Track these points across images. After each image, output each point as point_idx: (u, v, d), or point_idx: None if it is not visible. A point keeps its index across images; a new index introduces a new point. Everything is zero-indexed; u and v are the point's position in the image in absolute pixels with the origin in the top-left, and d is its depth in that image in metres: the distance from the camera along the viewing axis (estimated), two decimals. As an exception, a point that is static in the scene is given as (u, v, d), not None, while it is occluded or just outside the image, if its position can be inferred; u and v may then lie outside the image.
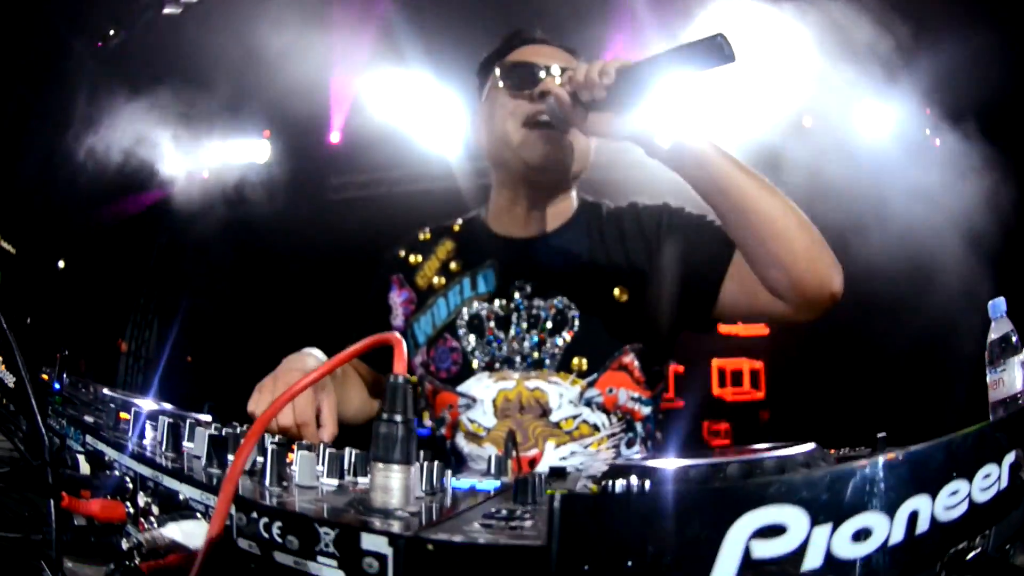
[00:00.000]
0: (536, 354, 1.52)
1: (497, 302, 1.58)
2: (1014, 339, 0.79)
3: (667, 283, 1.54)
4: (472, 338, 1.57)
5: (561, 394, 1.48)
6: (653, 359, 1.57)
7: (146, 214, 4.75)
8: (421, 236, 1.79)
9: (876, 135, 4.10)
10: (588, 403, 1.49)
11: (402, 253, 1.77)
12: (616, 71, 1.25)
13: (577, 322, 1.53)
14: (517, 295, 1.57)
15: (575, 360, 1.51)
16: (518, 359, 1.53)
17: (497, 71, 1.60)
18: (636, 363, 1.53)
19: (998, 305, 0.81)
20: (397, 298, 1.69)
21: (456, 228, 1.77)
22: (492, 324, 1.56)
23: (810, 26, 3.36)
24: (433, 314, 1.62)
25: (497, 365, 1.53)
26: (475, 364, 1.54)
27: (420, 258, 1.72)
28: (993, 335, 0.81)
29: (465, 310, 1.59)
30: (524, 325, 1.55)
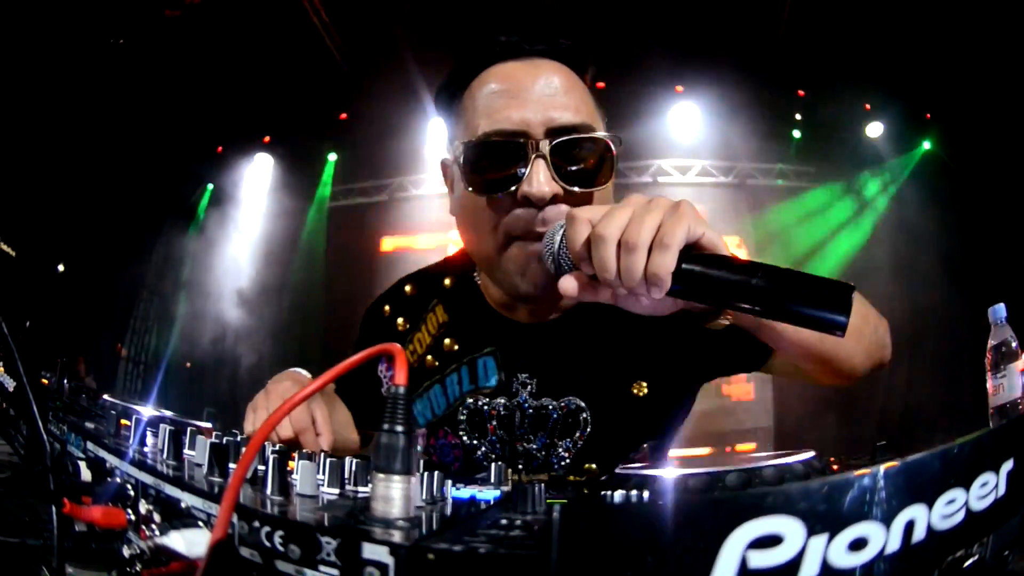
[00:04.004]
0: (543, 456, 1.31)
1: (500, 399, 1.33)
2: (1014, 345, 0.79)
3: (698, 370, 1.31)
4: (474, 436, 1.35)
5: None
6: (666, 445, 1.36)
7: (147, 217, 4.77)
8: (407, 289, 1.49)
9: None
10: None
11: (387, 310, 1.49)
12: (673, 277, 0.82)
13: (590, 425, 1.29)
14: (522, 392, 1.32)
15: (586, 465, 1.30)
16: (523, 461, 1.31)
17: (459, 152, 1.13)
18: (648, 455, 1.32)
19: (998, 311, 0.81)
20: (387, 372, 1.43)
21: (446, 285, 1.44)
22: (495, 423, 1.32)
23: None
24: (431, 401, 1.39)
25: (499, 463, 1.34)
26: (477, 462, 1.35)
27: (408, 324, 1.45)
28: (993, 341, 0.81)
29: (465, 406, 1.35)
30: (529, 425, 1.31)
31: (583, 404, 1.30)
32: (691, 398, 1.37)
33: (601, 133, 1.14)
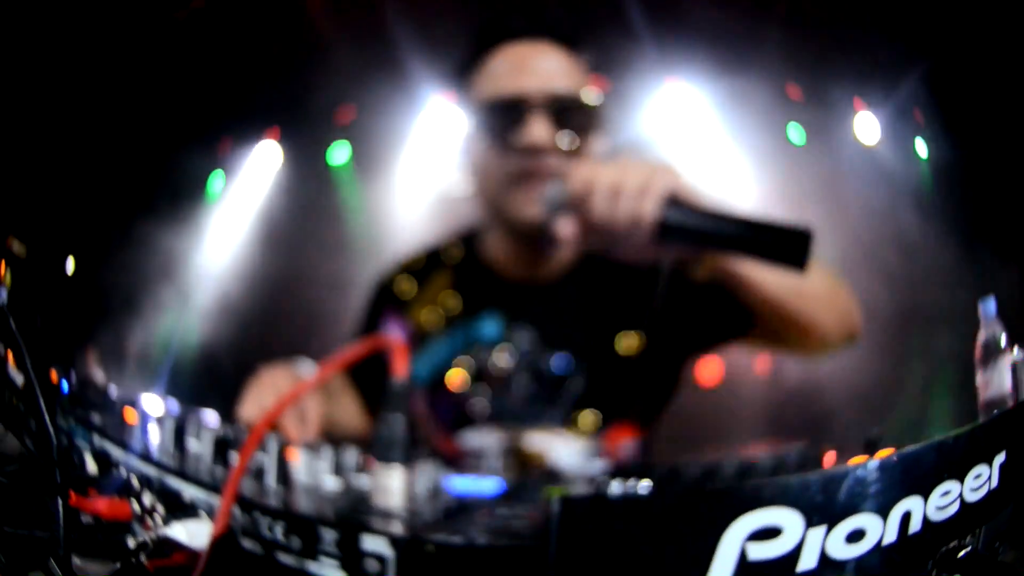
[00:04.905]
0: (540, 410, 1.43)
1: (499, 354, 1.42)
2: (1003, 339, 0.80)
3: (686, 329, 1.44)
4: (472, 391, 1.45)
5: (566, 450, 1.40)
6: (662, 402, 1.48)
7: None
8: (411, 260, 1.59)
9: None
10: (594, 455, 1.40)
11: (392, 281, 1.57)
12: (654, 224, 0.95)
13: (586, 376, 1.39)
14: (521, 347, 1.42)
15: (583, 416, 1.41)
16: (521, 414, 1.43)
17: (470, 115, 1.39)
18: (645, 411, 1.44)
19: (988, 306, 0.82)
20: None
21: (451, 255, 1.55)
22: (494, 377, 1.40)
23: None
24: (431, 359, 1.49)
25: (499, 420, 1.43)
26: (475, 418, 1.45)
27: (413, 290, 1.54)
28: (983, 335, 0.82)
29: (464, 361, 1.45)
30: (528, 379, 1.40)
31: (579, 359, 1.38)
32: (683, 365, 1.46)
33: (590, 99, 1.31)
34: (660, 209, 0.90)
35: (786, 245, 0.89)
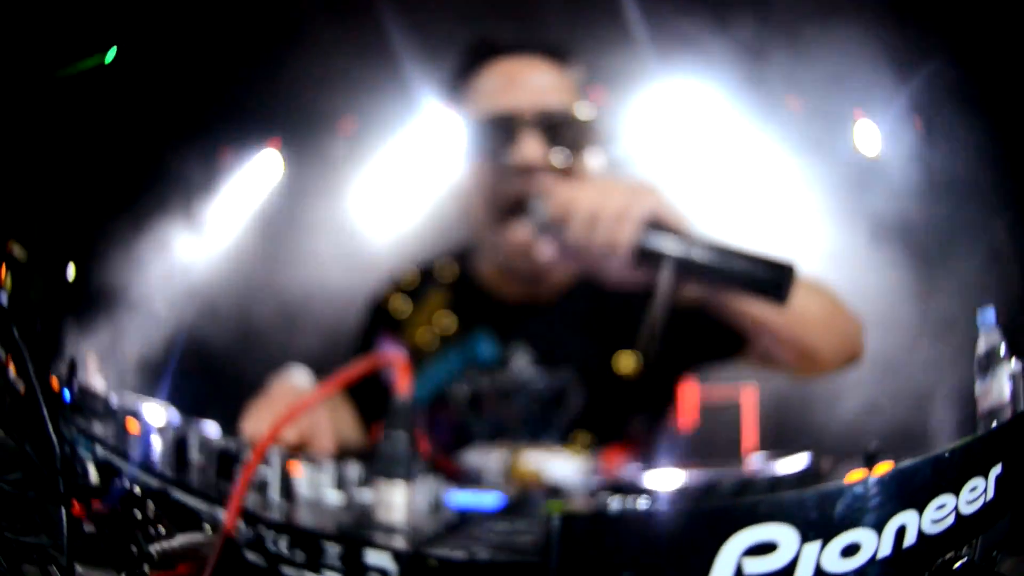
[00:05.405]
0: (537, 429, 1.41)
1: (495, 375, 1.40)
2: (1002, 349, 0.80)
3: (680, 349, 1.43)
4: (469, 411, 1.43)
5: (562, 468, 1.39)
6: (660, 421, 1.47)
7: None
8: (407, 279, 1.55)
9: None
10: (592, 472, 1.38)
11: (388, 300, 1.53)
12: (630, 250, 0.93)
13: (583, 396, 1.37)
14: (517, 367, 1.39)
15: (579, 435, 1.39)
16: (518, 434, 1.41)
17: (462, 130, 1.35)
18: (642, 431, 1.42)
19: (987, 316, 0.82)
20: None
21: (446, 276, 1.51)
22: (490, 398, 1.38)
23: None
24: (427, 379, 1.46)
25: (496, 439, 1.42)
26: (473, 437, 1.43)
27: (408, 309, 1.51)
28: (982, 345, 0.82)
29: (461, 381, 1.42)
30: (524, 399, 1.38)
31: (576, 378, 1.37)
32: (678, 383, 1.45)
33: (583, 114, 1.29)
34: (638, 234, 0.89)
35: (767, 278, 0.87)
